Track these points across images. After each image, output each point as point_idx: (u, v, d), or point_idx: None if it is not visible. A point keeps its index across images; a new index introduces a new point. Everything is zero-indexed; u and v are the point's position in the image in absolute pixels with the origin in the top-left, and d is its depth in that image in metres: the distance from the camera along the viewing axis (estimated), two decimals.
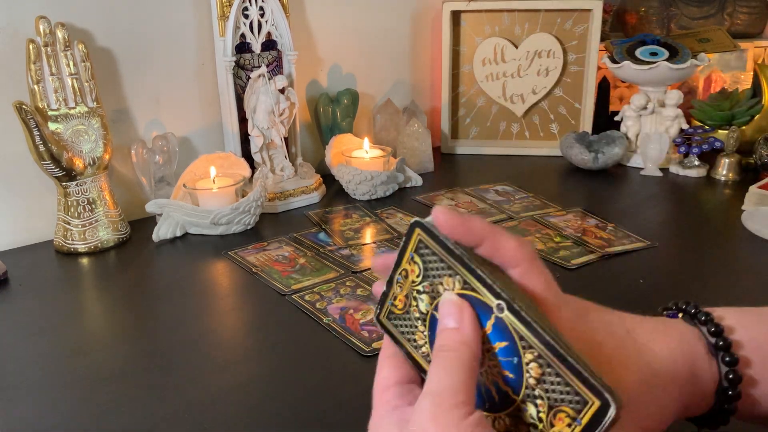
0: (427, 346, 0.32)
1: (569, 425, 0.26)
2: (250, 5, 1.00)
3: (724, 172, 1.13)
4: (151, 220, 0.94)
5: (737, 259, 0.84)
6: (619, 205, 1.04)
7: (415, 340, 0.33)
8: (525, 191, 1.08)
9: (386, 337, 0.34)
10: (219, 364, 0.61)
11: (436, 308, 0.31)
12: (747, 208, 0.96)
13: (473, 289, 0.30)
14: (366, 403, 0.33)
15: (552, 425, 0.27)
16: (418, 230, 0.32)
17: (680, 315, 0.37)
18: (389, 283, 0.34)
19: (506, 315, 0.28)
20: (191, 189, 0.94)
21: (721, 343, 0.34)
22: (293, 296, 0.73)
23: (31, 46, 0.82)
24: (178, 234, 0.91)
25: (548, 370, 0.27)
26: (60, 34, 0.84)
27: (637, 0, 1.43)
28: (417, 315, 0.32)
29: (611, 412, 0.25)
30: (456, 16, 1.28)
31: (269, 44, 1.06)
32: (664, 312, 0.39)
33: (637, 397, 0.31)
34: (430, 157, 1.20)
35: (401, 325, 0.33)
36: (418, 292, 0.32)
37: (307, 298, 0.72)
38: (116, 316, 0.72)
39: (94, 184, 0.88)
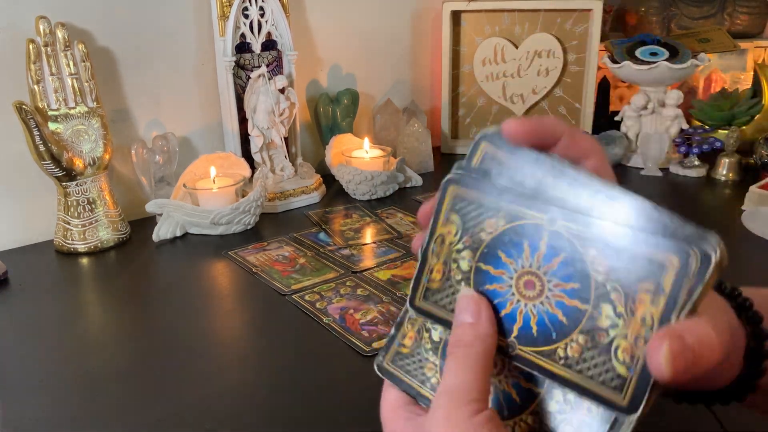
0: (438, 375, 0.31)
1: (653, 302, 0.25)
2: (250, 5, 1.00)
3: (724, 172, 1.13)
4: (151, 220, 0.94)
5: (737, 259, 0.84)
6: None
7: (423, 374, 0.32)
8: None
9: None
10: (219, 364, 0.61)
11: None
12: (747, 208, 0.96)
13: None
14: (366, 402, 0.33)
15: (633, 313, 0.25)
16: (483, 144, 0.31)
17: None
18: (392, 337, 0.33)
19: (560, 224, 0.28)
20: (191, 189, 0.94)
21: (740, 302, 0.34)
22: (293, 296, 0.73)
23: (31, 46, 0.82)
24: (178, 234, 0.91)
25: (616, 256, 0.26)
26: (60, 34, 0.84)
27: (637, 0, 1.43)
28: (429, 346, 0.32)
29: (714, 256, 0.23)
30: (456, 16, 1.28)
31: (269, 44, 1.06)
32: None
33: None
34: (430, 157, 1.20)
35: (408, 364, 0.32)
36: (458, 251, 0.31)
37: (307, 298, 0.72)
38: (116, 316, 0.72)
39: (94, 184, 0.88)
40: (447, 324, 0.31)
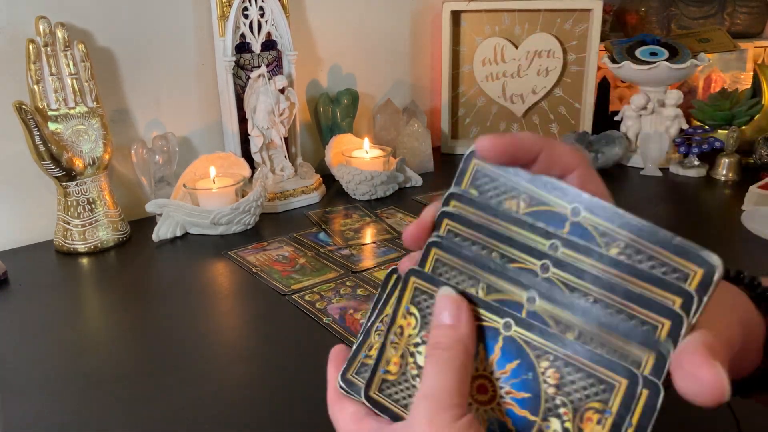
0: None
1: (600, 422, 0.25)
2: (250, 5, 1.00)
3: (724, 172, 1.13)
4: (151, 220, 0.94)
5: (737, 259, 0.84)
6: (618, 205, 1.03)
7: (412, 402, 0.31)
8: None
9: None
10: (219, 364, 0.61)
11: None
12: (747, 208, 0.96)
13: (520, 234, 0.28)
14: None
15: (581, 430, 0.25)
16: (474, 161, 0.30)
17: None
18: (357, 349, 0.32)
19: (515, 330, 0.27)
20: (191, 189, 0.94)
21: (759, 291, 0.33)
22: (293, 296, 0.73)
23: (31, 46, 0.82)
24: (178, 234, 0.91)
25: (566, 370, 0.26)
26: (60, 34, 0.84)
27: (637, 0, 1.43)
28: (415, 372, 0.30)
29: (715, 274, 0.23)
30: (456, 16, 1.28)
31: (269, 44, 1.06)
32: None
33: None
34: (430, 157, 1.20)
35: (396, 392, 0.31)
36: (416, 344, 0.30)
37: (307, 298, 0.72)
38: (116, 316, 0.72)
39: (94, 184, 0.88)
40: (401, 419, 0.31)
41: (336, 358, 0.33)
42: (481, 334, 0.28)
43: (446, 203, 0.31)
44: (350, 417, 0.31)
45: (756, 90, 1.20)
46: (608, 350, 0.25)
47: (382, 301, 0.33)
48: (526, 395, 0.27)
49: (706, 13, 1.40)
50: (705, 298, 0.24)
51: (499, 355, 0.28)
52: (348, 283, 0.76)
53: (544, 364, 0.26)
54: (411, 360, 0.30)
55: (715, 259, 0.24)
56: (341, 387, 0.32)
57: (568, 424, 0.26)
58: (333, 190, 1.10)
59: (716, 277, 0.23)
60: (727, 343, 0.26)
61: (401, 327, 0.31)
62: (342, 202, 1.05)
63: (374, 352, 0.32)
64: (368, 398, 0.31)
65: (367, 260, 0.82)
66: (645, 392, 0.24)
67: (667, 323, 0.24)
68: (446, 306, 0.29)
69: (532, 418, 0.27)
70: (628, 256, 0.25)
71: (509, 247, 0.29)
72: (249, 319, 0.71)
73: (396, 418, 0.30)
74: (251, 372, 0.60)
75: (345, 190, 1.07)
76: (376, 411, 0.31)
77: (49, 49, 0.83)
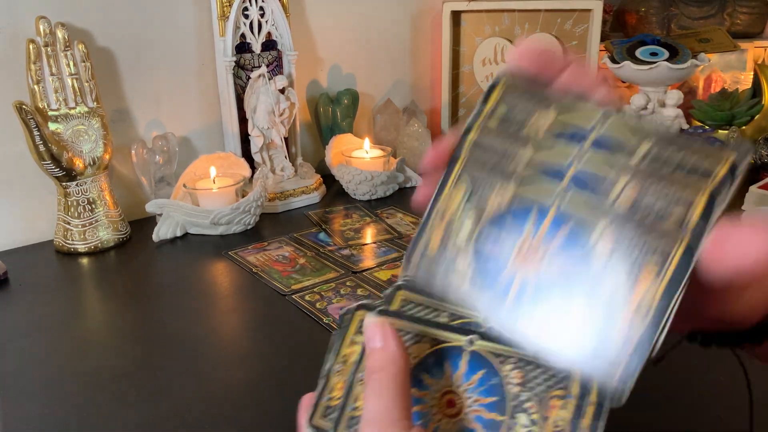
0: None
1: (563, 406, 0.26)
2: (250, 5, 1.00)
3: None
4: (151, 220, 0.94)
5: None
6: None
7: (358, 424, 0.31)
8: None
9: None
10: (219, 364, 0.61)
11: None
12: (747, 208, 0.96)
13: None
14: None
15: (546, 419, 0.27)
16: (503, 81, 0.32)
17: None
18: (320, 392, 0.33)
19: (478, 345, 0.29)
20: (191, 189, 0.94)
21: None
22: (293, 296, 0.73)
23: (31, 46, 0.82)
24: (178, 234, 0.91)
25: (528, 368, 0.27)
26: (60, 34, 0.84)
27: (637, 0, 1.43)
28: (359, 392, 0.31)
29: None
30: (456, 16, 1.28)
31: (269, 44, 1.06)
32: None
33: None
34: None
35: (338, 416, 0.32)
36: (361, 371, 0.31)
37: (307, 298, 0.72)
38: (116, 316, 0.72)
39: (94, 184, 0.88)
40: None
41: (306, 404, 0.34)
42: (447, 354, 0.30)
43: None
44: None
45: (756, 90, 1.20)
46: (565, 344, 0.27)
47: (339, 342, 0.33)
48: (493, 399, 0.28)
49: (706, 13, 1.40)
50: (738, 174, 0.25)
51: (465, 369, 0.29)
52: (348, 283, 0.76)
53: (508, 367, 0.28)
54: (359, 387, 0.31)
55: (746, 145, 0.25)
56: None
57: (534, 416, 0.27)
58: (333, 190, 1.10)
59: (747, 158, 0.25)
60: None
61: (345, 356, 0.32)
62: (342, 202, 1.05)
63: (335, 393, 0.32)
64: (313, 426, 0.32)
65: (368, 260, 0.82)
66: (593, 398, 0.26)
67: (702, 201, 0.25)
68: (373, 332, 0.30)
69: (500, 418, 0.28)
70: (519, 368, 0.28)
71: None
72: (249, 319, 0.71)
73: None
74: (251, 372, 0.60)
75: (345, 190, 1.07)
76: None
77: (49, 49, 0.83)
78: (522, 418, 0.27)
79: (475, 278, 0.30)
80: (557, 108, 0.29)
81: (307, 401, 0.33)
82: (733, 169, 0.25)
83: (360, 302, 0.33)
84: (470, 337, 0.29)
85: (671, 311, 0.24)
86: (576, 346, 0.27)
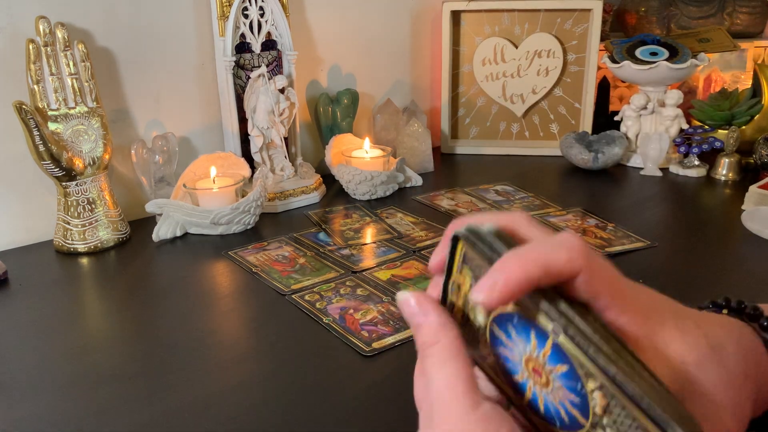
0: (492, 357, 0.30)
1: None
2: (250, 5, 1.00)
3: (724, 172, 1.13)
4: (151, 220, 0.94)
5: (737, 259, 0.84)
6: (619, 204, 1.04)
7: (482, 355, 0.30)
8: (525, 191, 1.08)
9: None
10: (219, 364, 0.61)
11: (494, 321, 0.29)
12: (747, 208, 0.96)
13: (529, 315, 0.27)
14: (366, 403, 0.33)
15: None
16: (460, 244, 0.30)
17: (724, 311, 0.35)
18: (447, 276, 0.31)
19: (562, 340, 0.26)
20: (191, 189, 0.94)
21: (765, 324, 0.32)
22: (293, 296, 0.73)
23: (31, 46, 0.82)
24: (178, 234, 0.91)
25: (613, 402, 0.24)
26: (60, 34, 0.84)
27: (637, 0, 1.43)
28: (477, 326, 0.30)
29: None
30: (456, 16, 1.28)
31: (269, 44, 1.06)
32: (704, 310, 0.36)
33: (722, 402, 0.28)
34: (430, 157, 1.20)
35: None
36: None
37: (307, 298, 0.72)
38: (116, 316, 0.72)
39: (94, 184, 0.88)
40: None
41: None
42: (534, 325, 0.27)
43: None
44: (420, 387, 0.30)
45: (756, 90, 1.20)
46: (650, 397, 0.24)
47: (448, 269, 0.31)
48: (577, 400, 0.26)
49: (706, 13, 1.40)
50: None
51: (549, 353, 0.27)
52: (348, 283, 0.76)
53: (591, 385, 0.25)
54: (472, 316, 0.30)
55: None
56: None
57: None
58: (333, 190, 1.10)
59: None
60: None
61: (457, 283, 0.30)
62: (342, 202, 1.05)
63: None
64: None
65: (367, 260, 0.82)
66: None
67: None
68: (408, 307, 0.29)
69: (581, 420, 0.26)
70: (604, 395, 0.25)
71: None
72: (249, 319, 0.71)
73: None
74: (251, 372, 0.60)
75: (345, 190, 1.07)
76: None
77: (49, 49, 0.83)
78: None
79: (496, 367, 0.29)
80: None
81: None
82: None
83: (458, 232, 0.29)
84: (554, 324, 0.26)
85: None
86: None
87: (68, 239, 0.87)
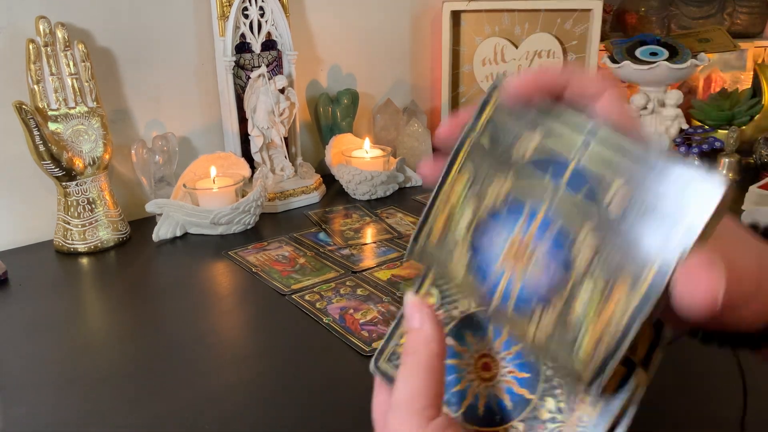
0: None
1: (592, 403, 0.26)
2: (250, 5, 1.00)
3: (724, 172, 1.13)
4: (151, 220, 0.94)
5: None
6: None
7: None
8: None
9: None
10: (219, 364, 0.61)
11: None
12: (747, 208, 0.96)
13: (546, 150, 0.28)
14: (366, 402, 0.33)
15: (572, 411, 0.26)
16: (495, 95, 0.31)
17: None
18: (389, 336, 0.33)
19: (598, 137, 0.26)
20: (191, 189, 0.94)
21: None
22: (293, 296, 0.73)
23: (31, 46, 0.82)
24: (178, 234, 0.91)
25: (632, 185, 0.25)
26: (60, 34, 0.84)
27: (637, 0, 1.43)
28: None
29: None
30: (456, 16, 1.28)
31: (269, 44, 1.06)
32: None
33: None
34: (430, 157, 1.20)
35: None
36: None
37: (307, 298, 0.72)
38: (116, 316, 0.72)
39: (94, 184, 0.88)
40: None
41: None
42: (552, 163, 0.28)
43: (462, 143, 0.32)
44: (381, 408, 0.32)
45: (756, 90, 1.20)
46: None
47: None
48: (527, 375, 0.28)
49: (706, 13, 1.40)
50: (707, 217, 0.23)
51: (506, 337, 0.29)
52: (348, 283, 0.76)
53: (618, 181, 0.26)
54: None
55: (719, 180, 0.23)
56: (374, 373, 0.33)
57: (561, 404, 0.27)
58: (333, 190, 1.10)
59: (721, 194, 0.23)
60: (731, 266, 0.25)
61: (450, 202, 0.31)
62: (342, 202, 1.05)
63: (403, 339, 0.32)
64: (377, 369, 0.33)
65: (368, 260, 0.82)
66: (640, 373, 0.25)
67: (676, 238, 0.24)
68: (411, 312, 0.30)
69: (529, 396, 0.28)
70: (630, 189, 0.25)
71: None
72: (249, 319, 0.71)
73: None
74: (251, 372, 0.60)
75: (345, 190, 1.07)
76: (385, 380, 0.32)
77: (49, 49, 0.83)
78: (550, 403, 0.27)
79: (469, 271, 0.29)
80: (543, 131, 0.28)
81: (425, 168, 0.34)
82: (706, 204, 0.23)
83: (490, 89, 0.31)
84: (590, 123, 0.27)
85: (639, 327, 0.24)
86: (548, 354, 0.26)
87: (68, 239, 0.87)
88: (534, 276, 0.27)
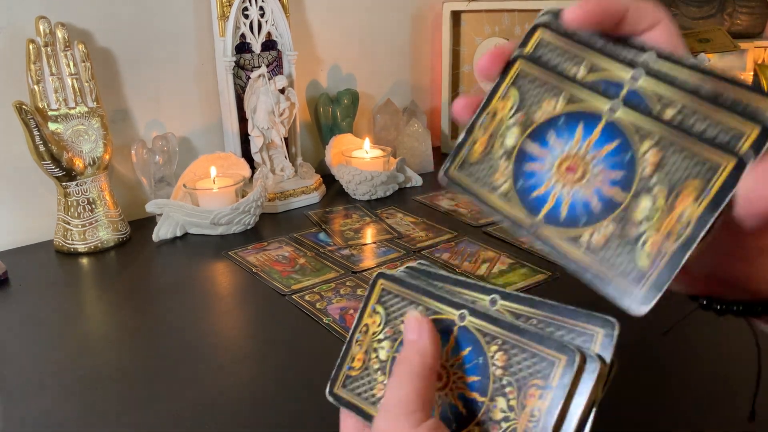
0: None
1: (541, 397, 0.27)
2: (250, 5, 1.00)
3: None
4: (151, 220, 0.94)
5: None
6: None
7: (373, 395, 0.32)
8: None
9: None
10: (219, 364, 0.61)
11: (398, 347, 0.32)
12: None
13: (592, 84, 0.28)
14: None
15: (524, 407, 0.27)
16: (539, 31, 0.31)
17: None
18: (340, 363, 0.34)
19: (468, 321, 0.29)
20: (191, 189, 0.94)
21: None
22: (293, 296, 0.73)
23: (31, 46, 0.82)
24: (178, 234, 0.91)
25: (670, 150, 0.25)
26: (60, 34, 0.84)
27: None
28: (376, 366, 0.33)
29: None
30: (456, 16, 1.28)
31: (269, 44, 1.06)
32: None
33: None
34: (430, 157, 1.20)
35: (358, 387, 0.33)
36: (379, 341, 0.33)
37: (307, 298, 0.72)
38: (116, 317, 0.72)
39: (94, 184, 0.88)
40: (365, 414, 0.32)
41: None
42: (581, 116, 0.28)
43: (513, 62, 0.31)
44: (347, 427, 0.33)
45: None
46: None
47: (360, 311, 0.35)
48: (476, 378, 0.29)
49: (706, 13, 1.40)
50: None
51: (453, 345, 0.30)
52: (348, 284, 0.76)
53: (494, 348, 0.28)
54: (374, 355, 0.33)
55: None
56: (331, 400, 0.34)
57: (513, 402, 0.27)
58: (333, 190, 1.10)
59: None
60: None
61: (366, 325, 0.33)
62: (342, 202, 1.05)
63: (355, 363, 0.33)
64: (332, 395, 0.34)
65: (368, 260, 0.82)
66: (584, 366, 0.26)
67: (755, 131, 0.24)
68: (411, 326, 0.31)
69: (480, 399, 0.28)
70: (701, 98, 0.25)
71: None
72: (249, 319, 0.71)
73: (361, 413, 0.32)
74: (251, 372, 0.60)
75: (345, 190, 1.07)
76: (342, 407, 0.33)
77: (49, 49, 0.83)
78: (501, 402, 0.28)
79: (515, 184, 0.29)
80: (587, 66, 0.29)
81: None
82: None
83: (379, 272, 0.35)
84: (461, 312, 0.30)
85: (703, 238, 0.24)
86: (602, 266, 0.26)
87: (68, 239, 0.87)
88: (590, 189, 0.27)
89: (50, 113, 0.85)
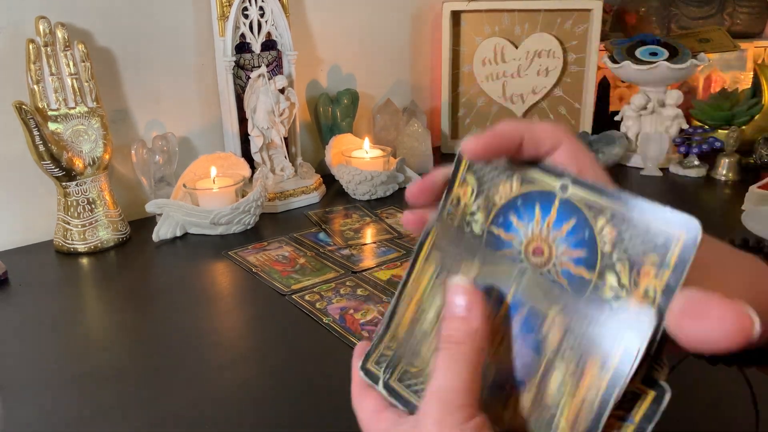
0: None
1: (657, 275, 0.24)
2: (250, 5, 1.00)
3: (724, 172, 1.13)
4: (151, 220, 0.94)
5: None
6: None
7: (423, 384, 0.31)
8: None
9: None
10: (219, 364, 0.61)
11: None
12: (747, 208, 0.96)
13: (530, 182, 0.28)
14: None
15: (636, 285, 0.25)
16: (463, 162, 0.31)
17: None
18: (379, 338, 0.33)
19: (571, 190, 0.27)
20: (191, 189, 0.94)
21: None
22: (293, 296, 0.73)
23: (31, 46, 0.82)
24: (178, 234, 0.91)
25: (623, 227, 0.25)
26: (60, 34, 0.84)
27: (637, 0, 1.43)
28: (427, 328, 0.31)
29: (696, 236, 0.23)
30: (456, 16, 1.28)
31: (269, 44, 1.06)
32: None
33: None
34: (430, 157, 1.20)
35: (415, 384, 0.31)
36: (472, 213, 0.31)
37: (307, 298, 0.72)
38: (116, 316, 0.72)
39: (94, 184, 0.88)
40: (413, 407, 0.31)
41: (360, 351, 0.34)
42: (537, 198, 0.28)
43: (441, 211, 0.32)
44: (370, 409, 0.31)
45: (756, 90, 1.20)
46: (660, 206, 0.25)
47: (449, 184, 0.32)
48: (582, 253, 0.26)
49: (706, 13, 1.40)
50: (690, 259, 0.23)
51: (554, 217, 0.27)
52: (348, 283, 0.76)
53: (601, 221, 0.26)
54: (424, 344, 0.31)
55: (694, 224, 0.23)
56: (362, 376, 0.33)
57: (624, 279, 0.25)
58: (333, 190, 1.10)
59: (698, 239, 0.23)
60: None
61: (458, 197, 0.32)
62: (342, 202, 1.05)
63: (394, 343, 0.32)
64: (364, 370, 0.33)
65: (367, 260, 0.82)
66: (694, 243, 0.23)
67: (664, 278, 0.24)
68: (459, 294, 0.28)
69: (587, 275, 0.26)
70: (613, 226, 0.25)
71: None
72: (249, 319, 0.71)
73: (408, 404, 0.30)
74: (251, 372, 0.60)
75: (345, 190, 1.07)
76: (392, 399, 0.31)
77: (49, 49, 0.83)
78: (611, 279, 0.25)
79: None
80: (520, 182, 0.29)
81: (360, 349, 0.33)
82: (686, 248, 0.23)
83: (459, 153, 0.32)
84: (562, 181, 0.27)
85: (616, 398, 0.24)
86: None
87: (68, 239, 0.87)
88: (506, 359, 0.27)
89: (50, 113, 0.85)
